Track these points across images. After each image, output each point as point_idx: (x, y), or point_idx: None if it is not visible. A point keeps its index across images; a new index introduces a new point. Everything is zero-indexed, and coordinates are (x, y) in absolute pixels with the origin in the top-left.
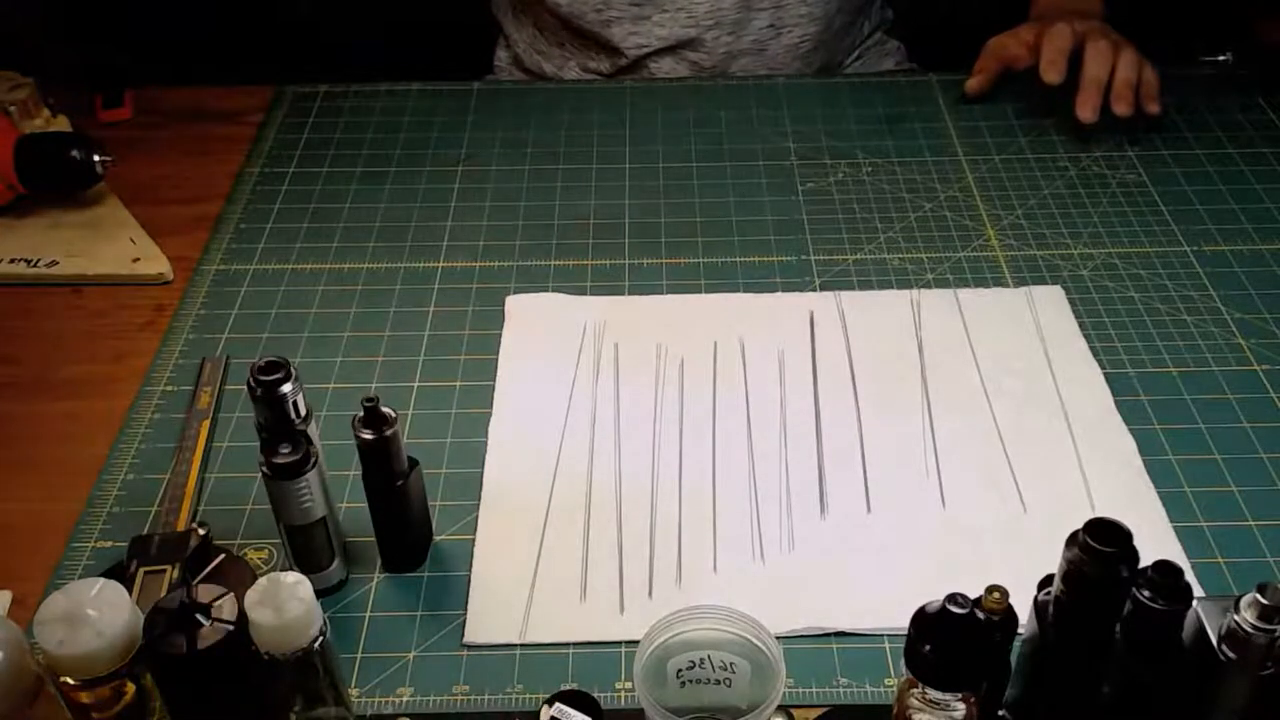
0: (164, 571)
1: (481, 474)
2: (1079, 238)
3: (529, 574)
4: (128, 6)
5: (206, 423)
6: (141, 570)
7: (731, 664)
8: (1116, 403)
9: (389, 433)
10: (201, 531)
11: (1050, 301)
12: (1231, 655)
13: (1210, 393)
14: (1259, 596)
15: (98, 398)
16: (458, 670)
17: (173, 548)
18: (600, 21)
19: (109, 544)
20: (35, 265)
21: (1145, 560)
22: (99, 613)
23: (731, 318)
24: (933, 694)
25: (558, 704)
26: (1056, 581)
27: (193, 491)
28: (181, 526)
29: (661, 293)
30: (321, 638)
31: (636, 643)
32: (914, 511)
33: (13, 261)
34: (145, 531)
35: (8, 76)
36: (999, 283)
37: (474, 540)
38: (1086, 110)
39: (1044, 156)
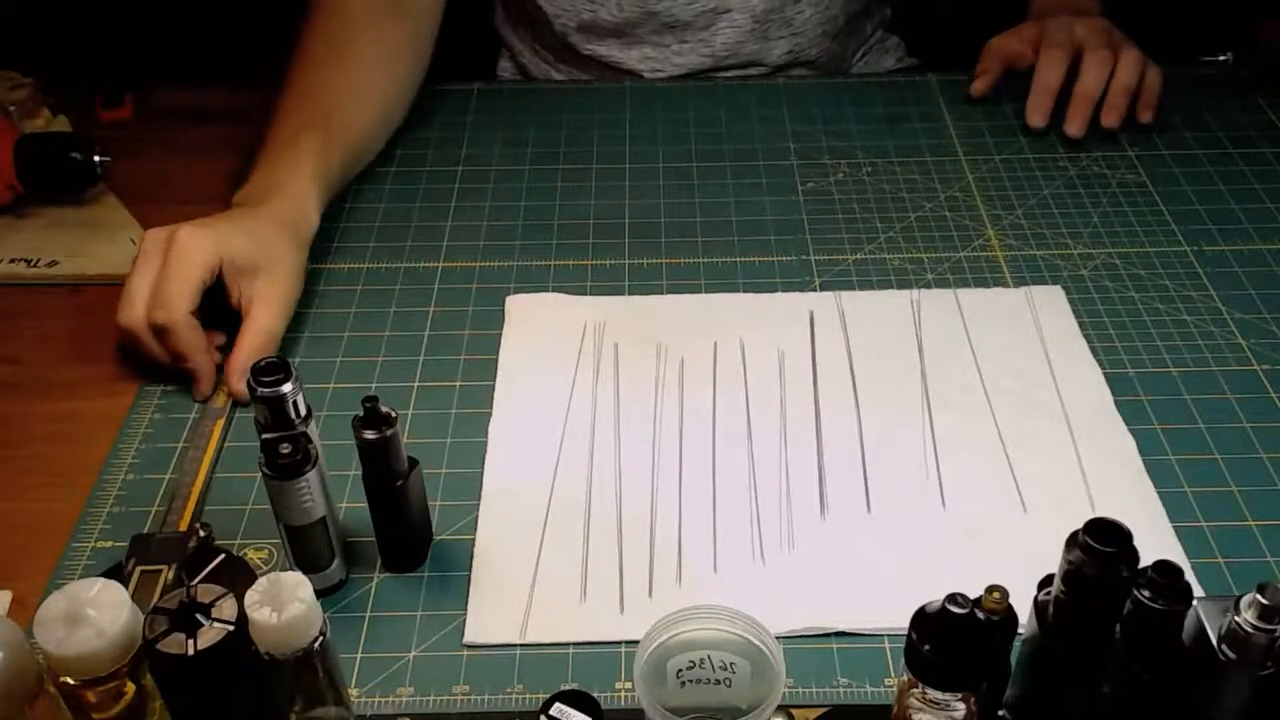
0: (160, 571)
1: (481, 474)
2: (1079, 238)
3: (529, 574)
4: (128, 6)
5: (220, 422)
6: (138, 569)
7: (731, 664)
8: (1116, 403)
9: (389, 433)
10: (203, 532)
11: (1050, 301)
12: (1231, 655)
13: (1210, 393)
14: (1259, 596)
15: (98, 398)
16: (458, 670)
17: (172, 548)
18: (620, 44)
19: (109, 544)
20: (35, 265)
21: (1145, 560)
22: (99, 613)
23: (731, 318)
24: (933, 694)
25: (557, 704)
26: (1056, 581)
27: (200, 490)
28: (185, 525)
29: (661, 293)
30: (321, 638)
31: (636, 643)
32: (914, 511)
33: (13, 261)
34: (145, 531)
35: (8, 76)
36: (999, 283)
37: (474, 540)
38: (1074, 125)
39: (1044, 156)
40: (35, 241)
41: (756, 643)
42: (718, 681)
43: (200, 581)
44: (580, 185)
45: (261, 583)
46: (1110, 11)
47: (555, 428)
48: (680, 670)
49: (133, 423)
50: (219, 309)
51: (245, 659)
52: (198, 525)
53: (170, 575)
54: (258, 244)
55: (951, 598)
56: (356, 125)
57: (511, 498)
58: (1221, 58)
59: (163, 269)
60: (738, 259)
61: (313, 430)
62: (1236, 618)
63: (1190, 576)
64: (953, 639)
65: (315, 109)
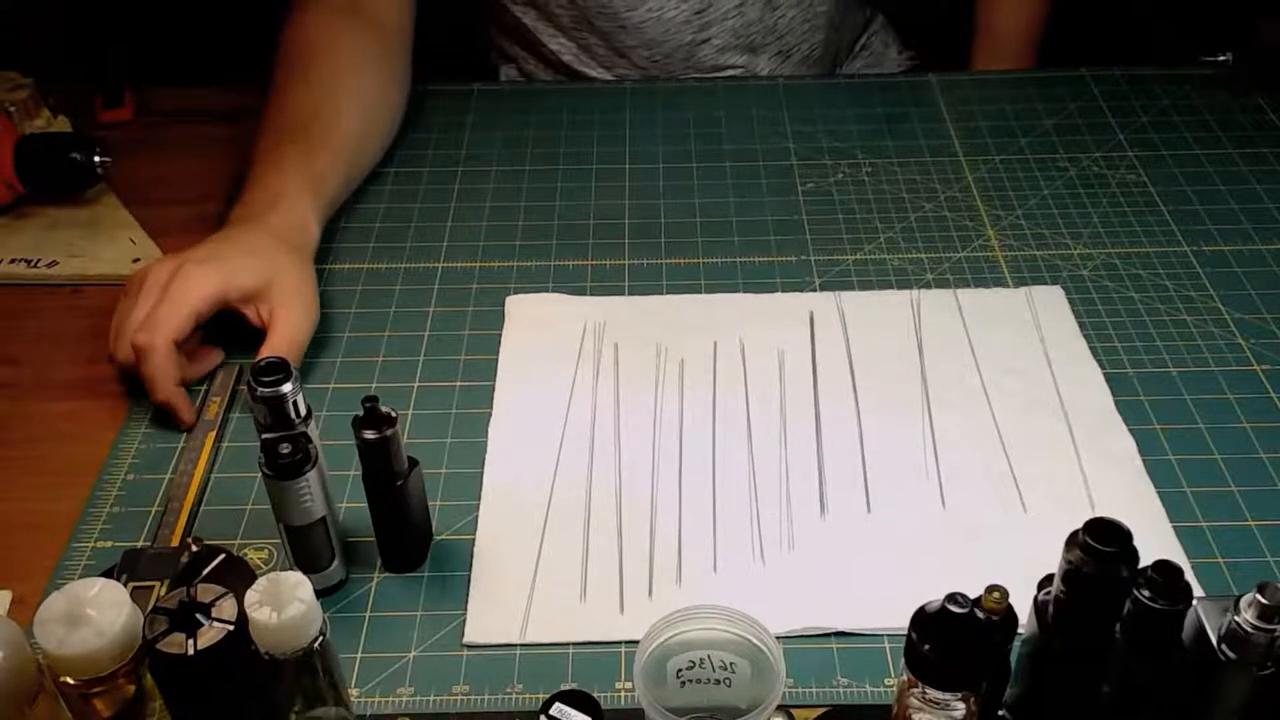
0: (152, 587)
1: (481, 474)
2: (1079, 238)
3: (529, 574)
4: (128, 6)
5: (212, 434)
6: (130, 585)
7: (731, 664)
8: (1116, 403)
9: (389, 433)
10: (195, 547)
11: (1050, 301)
12: (1231, 655)
13: (1210, 393)
14: (1259, 596)
15: (98, 398)
16: (458, 670)
17: (164, 563)
18: (613, 76)
19: (109, 544)
20: (35, 265)
21: (1145, 560)
22: (99, 613)
23: (731, 318)
24: (933, 694)
25: (557, 704)
26: (1056, 581)
27: (191, 503)
28: (178, 535)
29: (661, 293)
30: (321, 638)
31: (636, 643)
32: (914, 511)
33: (13, 261)
34: (143, 535)
35: (8, 76)
36: (999, 283)
37: (474, 540)
38: None
39: (1044, 156)
40: (35, 241)
41: (756, 643)
42: (718, 681)
43: (200, 581)
44: (580, 185)
45: (261, 583)
46: (1111, 12)
47: (555, 428)
48: (680, 670)
49: (133, 423)
50: (235, 333)
51: (245, 659)
52: (189, 541)
53: (163, 591)
54: (264, 261)
55: (951, 598)
56: (338, 130)
57: (511, 498)
58: (1221, 58)
59: (160, 297)
60: (738, 259)
61: (313, 430)
62: (1236, 618)
63: (1190, 576)
64: (953, 639)
65: (292, 120)
